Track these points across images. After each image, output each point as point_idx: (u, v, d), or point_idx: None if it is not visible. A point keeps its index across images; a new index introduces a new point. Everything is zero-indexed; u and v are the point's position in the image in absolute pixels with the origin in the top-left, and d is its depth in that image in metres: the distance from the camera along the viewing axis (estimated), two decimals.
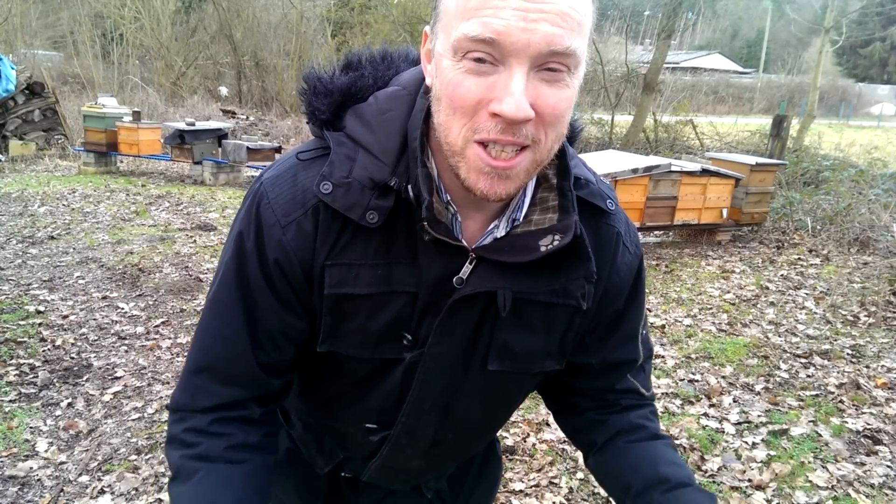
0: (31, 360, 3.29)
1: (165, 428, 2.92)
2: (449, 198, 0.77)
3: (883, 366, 3.54)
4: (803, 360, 3.61)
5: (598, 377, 0.93)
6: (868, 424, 2.92)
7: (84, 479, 2.42)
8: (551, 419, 2.93)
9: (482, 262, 0.78)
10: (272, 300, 0.79)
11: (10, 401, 2.92)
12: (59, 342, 3.51)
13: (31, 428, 2.72)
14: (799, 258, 5.69)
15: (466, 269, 0.78)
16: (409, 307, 0.80)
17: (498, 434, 1.18)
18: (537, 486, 2.47)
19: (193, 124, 8.38)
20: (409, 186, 0.74)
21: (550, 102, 0.66)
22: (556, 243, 0.75)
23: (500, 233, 0.79)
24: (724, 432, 2.86)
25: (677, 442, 2.76)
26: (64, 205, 6.74)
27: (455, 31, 0.65)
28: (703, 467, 2.59)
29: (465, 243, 0.77)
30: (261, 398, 0.84)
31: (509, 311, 0.80)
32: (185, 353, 3.44)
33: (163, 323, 3.84)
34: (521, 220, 0.79)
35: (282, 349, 0.82)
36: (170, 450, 0.82)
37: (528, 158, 0.69)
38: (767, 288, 4.89)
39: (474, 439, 1.00)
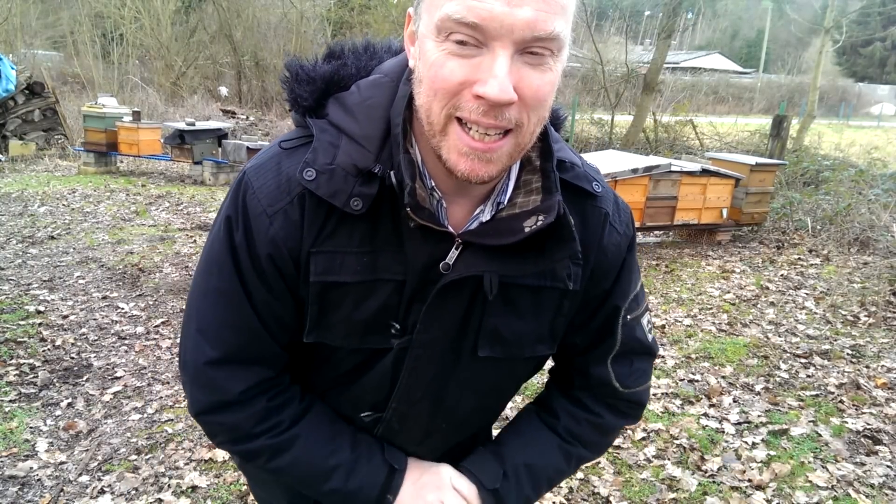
0: (31, 360, 3.29)
1: (166, 429, 2.89)
2: (433, 184, 0.77)
3: (883, 366, 3.54)
4: (803, 360, 3.61)
5: (578, 355, 0.94)
6: (868, 424, 2.92)
7: (84, 479, 2.42)
8: None
9: (468, 247, 0.78)
10: (265, 293, 0.80)
11: (10, 401, 2.92)
12: (59, 342, 3.51)
13: (31, 428, 2.72)
14: (799, 258, 5.69)
15: (453, 255, 0.78)
16: (396, 295, 0.80)
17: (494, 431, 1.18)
18: None
19: (193, 124, 8.38)
20: (392, 173, 0.74)
21: (534, 86, 0.66)
22: (539, 223, 0.75)
23: (486, 217, 0.79)
24: (724, 432, 2.85)
25: (677, 442, 2.76)
26: (64, 205, 6.74)
27: (439, 11, 0.65)
28: (703, 467, 2.59)
29: (450, 229, 0.78)
30: (280, 370, 0.88)
31: (498, 296, 0.80)
32: None
33: (163, 323, 3.84)
34: (505, 203, 0.79)
35: (275, 336, 0.84)
36: (244, 444, 0.85)
37: (511, 142, 0.69)
38: (767, 288, 4.89)
39: (467, 428, 1.00)
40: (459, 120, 0.68)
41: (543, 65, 0.66)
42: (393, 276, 0.79)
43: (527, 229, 0.75)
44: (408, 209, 0.73)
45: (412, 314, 0.81)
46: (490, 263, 0.77)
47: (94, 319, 3.85)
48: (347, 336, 0.82)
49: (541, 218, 0.75)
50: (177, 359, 3.79)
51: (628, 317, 0.92)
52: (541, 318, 0.86)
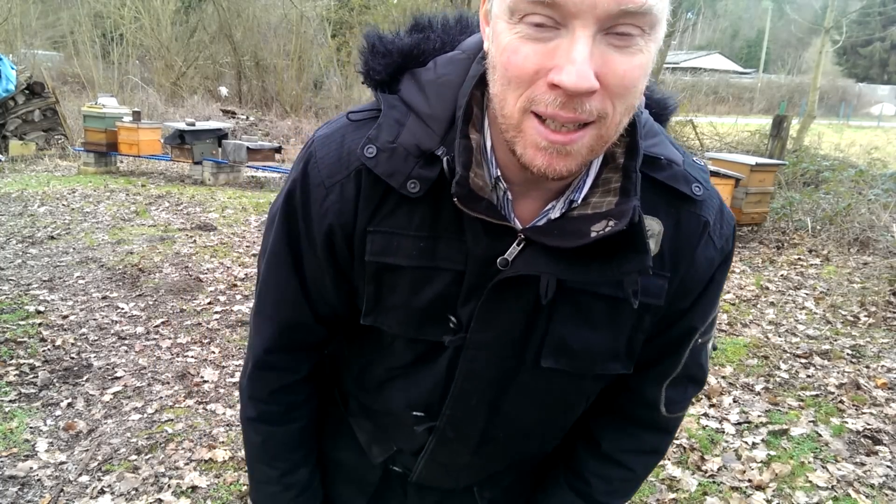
0: (31, 360, 3.29)
1: (166, 429, 2.89)
2: (499, 174, 0.71)
3: (883, 366, 3.54)
4: (803, 360, 3.61)
5: (634, 372, 0.84)
6: (868, 424, 2.92)
7: (84, 479, 2.42)
8: None
9: (531, 244, 0.71)
10: (314, 260, 0.79)
11: (10, 401, 2.92)
12: (59, 342, 3.51)
13: (31, 428, 2.72)
14: (799, 258, 5.69)
15: (513, 251, 0.72)
16: (455, 286, 0.75)
17: None
18: None
19: (193, 124, 8.38)
20: (447, 159, 0.69)
21: (619, 71, 0.58)
22: (608, 229, 0.66)
23: (556, 214, 0.72)
24: (724, 432, 2.86)
25: (677, 442, 2.76)
26: (64, 205, 6.74)
27: None
28: (703, 467, 2.59)
29: (517, 223, 0.72)
30: (310, 348, 0.90)
31: (567, 304, 0.75)
32: (185, 354, 3.44)
33: (163, 323, 3.84)
34: (579, 201, 0.71)
35: (331, 304, 0.84)
36: (250, 402, 0.91)
37: (592, 134, 0.61)
38: (767, 288, 4.89)
39: (529, 441, 0.92)
40: (535, 114, 0.61)
41: (632, 46, 0.58)
42: (453, 265, 0.74)
43: (593, 234, 0.67)
44: (455, 199, 0.67)
45: (468, 310, 0.76)
46: (550, 265, 0.70)
47: (94, 319, 3.85)
48: (404, 323, 0.78)
49: (611, 223, 0.66)
50: (177, 359, 3.76)
51: (699, 340, 0.83)
52: (618, 332, 0.78)
